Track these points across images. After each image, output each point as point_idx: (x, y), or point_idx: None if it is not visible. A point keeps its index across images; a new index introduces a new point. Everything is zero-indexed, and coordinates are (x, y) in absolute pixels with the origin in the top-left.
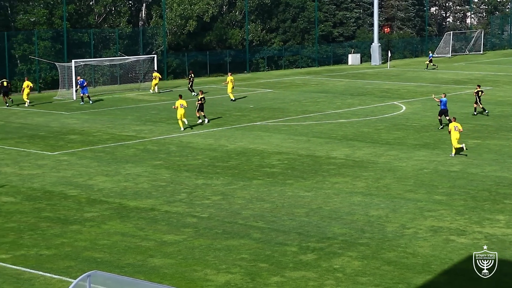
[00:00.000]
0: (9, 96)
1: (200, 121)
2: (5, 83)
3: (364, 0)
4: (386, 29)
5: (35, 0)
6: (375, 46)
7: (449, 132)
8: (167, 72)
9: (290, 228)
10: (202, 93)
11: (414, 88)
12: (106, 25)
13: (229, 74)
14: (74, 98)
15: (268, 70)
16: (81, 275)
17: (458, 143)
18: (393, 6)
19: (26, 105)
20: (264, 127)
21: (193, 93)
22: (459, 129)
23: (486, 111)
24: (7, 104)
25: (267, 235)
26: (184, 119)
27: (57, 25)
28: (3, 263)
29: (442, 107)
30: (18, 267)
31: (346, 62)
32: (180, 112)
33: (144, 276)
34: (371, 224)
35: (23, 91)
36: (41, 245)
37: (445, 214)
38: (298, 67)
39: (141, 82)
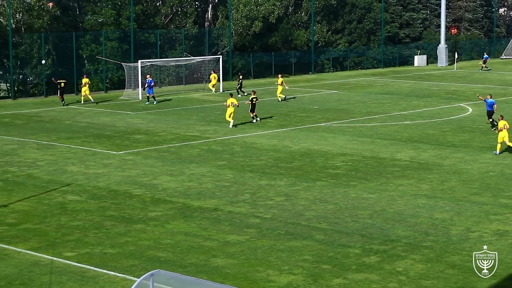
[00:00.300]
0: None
1: (254, 121)
2: (62, 84)
3: (431, 1)
4: (453, 30)
5: (103, 1)
6: (442, 48)
7: (500, 131)
8: (232, 73)
9: (353, 230)
10: (255, 93)
11: (481, 90)
12: (172, 26)
13: (279, 75)
14: (140, 98)
15: (333, 71)
16: (144, 274)
17: (510, 141)
18: (460, 7)
19: (92, 100)
20: (329, 128)
21: (238, 95)
22: (507, 127)
23: None
24: (64, 103)
25: (330, 237)
26: (231, 120)
27: (124, 25)
28: (69, 261)
29: (488, 108)
30: (83, 265)
31: (412, 64)
32: (230, 110)
33: (207, 275)
34: (435, 227)
35: (81, 88)
36: (106, 243)
37: (511, 218)
38: (364, 68)
39: (206, 82)
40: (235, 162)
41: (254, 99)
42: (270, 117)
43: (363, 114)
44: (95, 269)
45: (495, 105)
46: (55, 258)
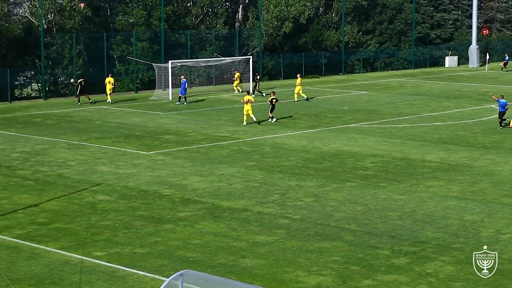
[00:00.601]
0: (83, 96)
1: (272, 120)
2: (83, 83)
3: (462, 2)
4: (484, 31)
5: (134, 2)
6: (473, 49)
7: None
8: (262, 74)
9: (382, 231)
10: (274, 94)
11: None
12: (202, 26)
13: (298, 75)
14: (170, 98)
15: (364, 72)
16: (173, 274)
17: None
18: (492, 7)
19: (108, 101)
20: (358, 129)
21: (253, 95)
22: None
23: None
24: (79, 103)
25: (360, 238)
26: (253, 116)
27: (155, 26)
28: (98, 260)
29: (501, 109)
30: (112, 265)
31: (443, 65)
32: (247, 107)
33: (236, 276)
34: (465, 229)
35: (106, 87)
36: (135, 243)
37: None
38: (394, 69)
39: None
40: (264, 162)
41: (274, 100)
42: (300, 118)
43: (393, 115)
44: (125, 268)
45: (507, 105)
46: (85, 258)
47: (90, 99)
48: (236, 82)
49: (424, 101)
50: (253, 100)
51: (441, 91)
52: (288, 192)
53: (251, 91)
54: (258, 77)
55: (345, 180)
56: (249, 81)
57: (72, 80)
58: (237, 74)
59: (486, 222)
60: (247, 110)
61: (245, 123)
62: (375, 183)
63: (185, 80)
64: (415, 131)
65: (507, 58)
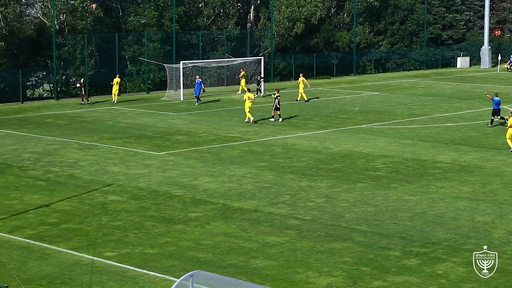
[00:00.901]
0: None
1: (279, 119)
2: (84, 83)
3: (474, 3)
4: (497, 32)
5: (145, 2)
6: (485, 49)
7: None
8: (273, 74)
9: (393, 232)
10: (278, 91)
11: None
12: (214, 27)
13: (301, 75)
14: (182, 99)
15: (375, 73)
16: (184, 274)
17: None
18: (504, 8)
19: (113, 101)
20: (370, 130)
21: (256, 95)
22: None
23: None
24: (89, 102)
25: (370, 239)
26: (251, 116)
27: (166, 27)
28: (109, 260)
29: (495, 106)
30: (123, 265)
31: (454, 65)
32: (248, 104)
33: (246, 277)
34: (476, 230)
35: (112, 87)
36: (146, 243)
37: None
38: (406, 70)
39: (247, 84)
40: (275, 163)
41: (278, 98)
42: (311, 118)
43: (405, 116)
44: (135, 269)
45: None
46: (95, 258)
47: (88, 100)
48: (242, 82)
49: (436, 102)
50: (253, 97)
51: (453, 92)
52: (299, 193)
53: (261, 91)
54: (259, 77)
55: (356, 181)
56: (260, 83)
57: (78, 84)
58: (242, 73)
59: (497, 223)
60: (248, 107)
61: (247, 119)
62: (386, 184)
63: (200, 80)
64: (426, 132)
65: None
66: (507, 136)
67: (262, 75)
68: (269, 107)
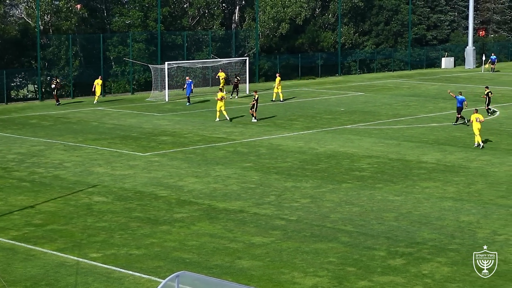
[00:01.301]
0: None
1: (253, 119)
2: (58, 83)
3: (459, 3)
4: (481, 32)
5: (130, 3)
6: (470, 50)
7: (471, 122)
8: (258, 75)
9: (378, 232)
10: (256, 92)
11: (508, 92)
12: (199, 28)
13: (277, 74)
14: (167, 99)
15: (360, 73)
16: (170, 275)
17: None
18: (488, 9)
19: (94, 102)
20: (355, 131)
21: (230, 97)
22: (480, 120)
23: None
24: (58, 103)
25: (356, 239)
26: (226, 115)
27: (151, 27)
28: (94, 261)
29: (458, 104)
30: (108, 266)
31: (439, 66)
32: (220, 104)
33: (232, 277)
34: (461, 230)
35: (94, 88)
36: (131, 244)
37: None
38: (390, 70)
39: (231, 84)
40: (260, 164)
41: (256, 98)
42: (297, 119)
43: (390, 116)
44: (121, 270)
45: (465, 101)
46: (80, 259)
47: (58, 102)
48: (222, 82)
49: (420, 102)
50: (225, 96)
51: (438, 92)
52: (284, 193)
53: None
54: (237, 79)
55: (341, 181)
56: (245, 82)
57: (52, 85)
58: (221, 74)
59: (482, 223)
60: (220, 107)
61: (217, 119)
62: (371, 184)
63: (190, 80)
64: (411, 132)
65: (493, 57)
66: (476, 132)
67: (239, 78)
68: (246, 108)
